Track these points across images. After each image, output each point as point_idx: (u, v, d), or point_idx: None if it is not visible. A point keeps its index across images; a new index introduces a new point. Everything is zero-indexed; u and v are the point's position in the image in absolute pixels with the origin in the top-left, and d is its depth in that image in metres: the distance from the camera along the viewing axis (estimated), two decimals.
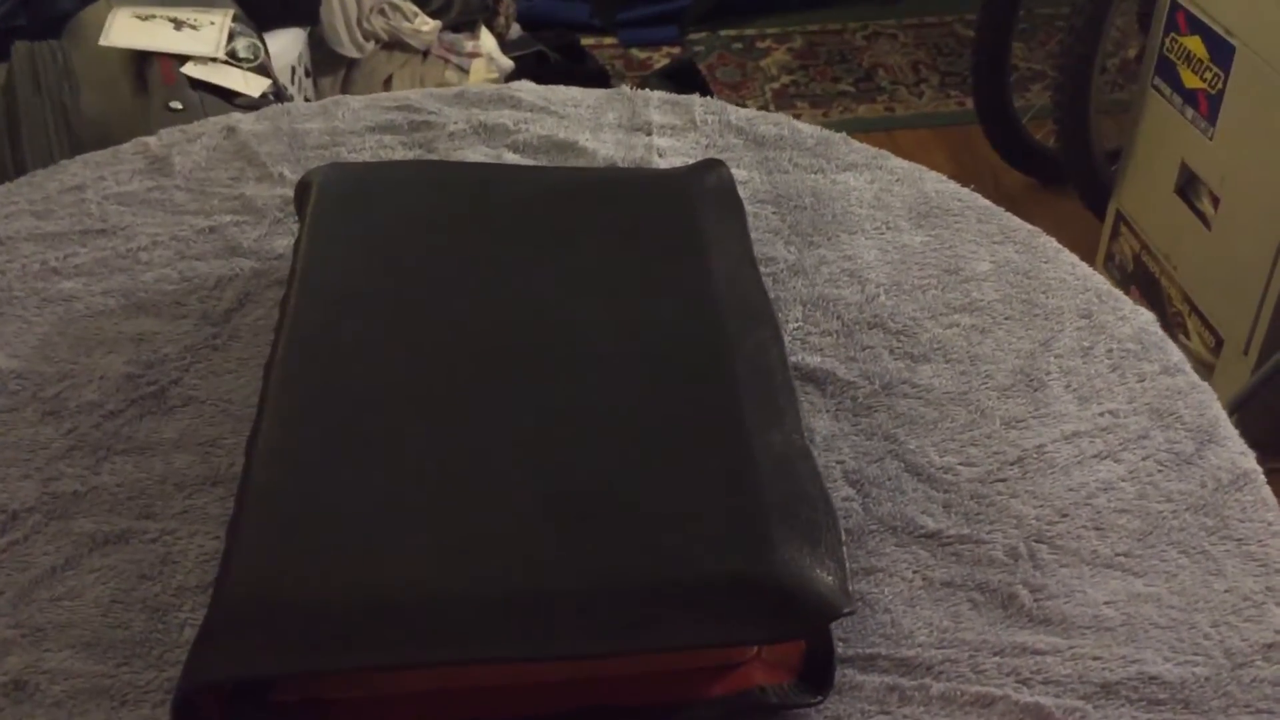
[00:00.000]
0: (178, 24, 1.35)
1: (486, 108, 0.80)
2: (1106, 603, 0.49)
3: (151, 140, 0.77)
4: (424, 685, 0.45)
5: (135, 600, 0.49)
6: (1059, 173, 2.05)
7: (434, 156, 0.76)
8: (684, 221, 0.62)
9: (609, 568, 0.45)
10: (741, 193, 0.70)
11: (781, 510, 0.46)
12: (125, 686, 0.46)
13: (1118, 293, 0.65)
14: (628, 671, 0.46)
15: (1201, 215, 1.63)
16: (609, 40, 2.61)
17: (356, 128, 0.78)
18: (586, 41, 2.46)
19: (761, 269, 0.65)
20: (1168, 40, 1.65)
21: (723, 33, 2.64)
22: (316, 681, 0.45)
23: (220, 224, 0.69)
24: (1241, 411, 1.47)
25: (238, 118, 0.79)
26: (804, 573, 0.44)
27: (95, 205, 0.71)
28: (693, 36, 2.63)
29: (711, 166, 0.67)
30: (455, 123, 0.78)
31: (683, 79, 2.32)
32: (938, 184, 0.73)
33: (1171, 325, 1.73)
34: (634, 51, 2.58)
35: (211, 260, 0.67)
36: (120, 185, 0.73)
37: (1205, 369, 1.67)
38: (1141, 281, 1.80)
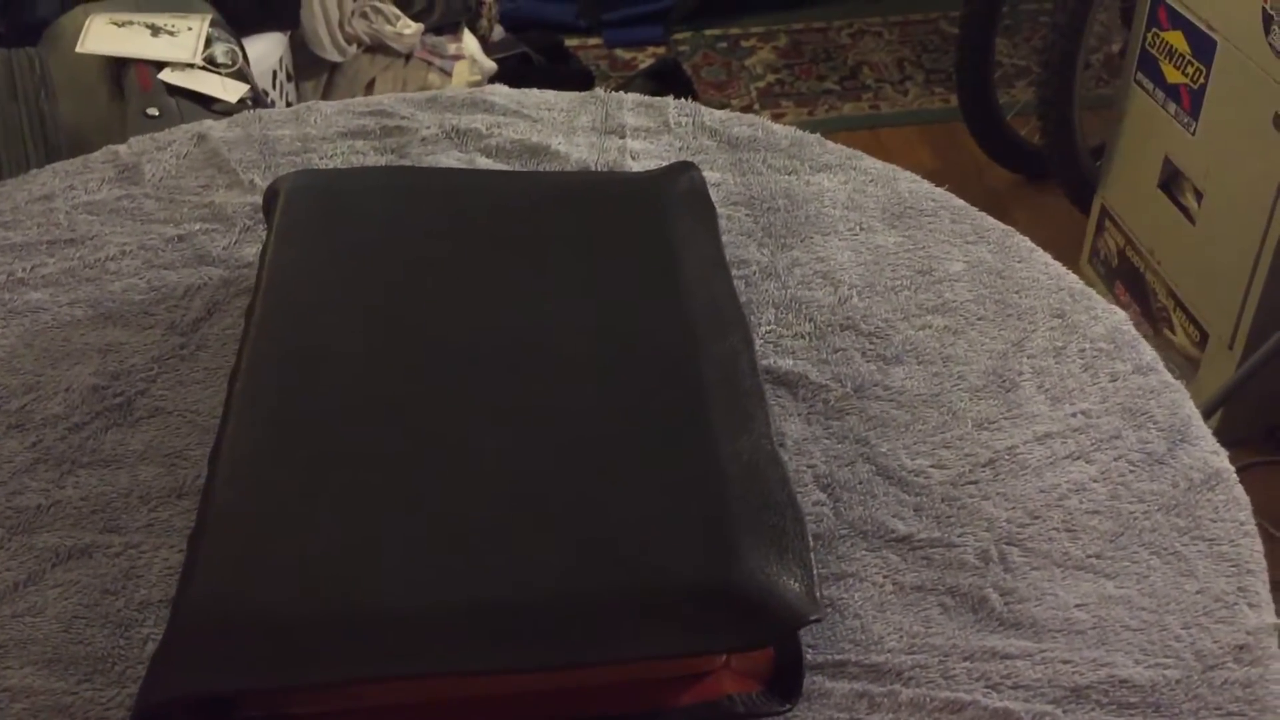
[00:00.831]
0: (155, 30, 1.34)
1: (459, 112, 0.79)
2: (1077, 605, 0.49)
3: (121, 148, 0.76)
4: (389, 699, 0.45)
5: (98, 616, 0.48)
6: (1043, 169, 2.05)
7: (406, 162, 0.75)
8: (655, 226, 0.62)
9: (575, 578, 0.44)
10: (714, 195, 0.69)
11: (748, 518, 0.46)
12: (86, 704, 0.45)
13: (1090, 291, 0.65)
14: (596, 682, 0.46)
15: (1185, 210, 1.63)
16: (594, 41, 2.61)
17: (328, 133, 0.78)
18: (571, 42, 2.45)
19: (734, 271, 0.64)
20: (1150, 35, 1.65)
21: (707, 32, 2.64)
22: (280, 697, 0.44)
23: (189, 232, 0.69)
24: (1227, 406, 1.47)
25: (209, 124, 0.79)
26: (770, 580, 0.44)
27: (64, 215, 0.70)
28: (678, 36, 2.63)
29: (683, 169, 0.66)
30: (428, 127, 0.78)
31: (668, 79, 2.32)
32: (911, 184, 0.73)
33: (1157, 320, 1.73)
34: (619, 52, 2.58)
35: (180, 269, 0.66)
36: (89, 194, 0.72)
37: (1191, 363, 1.66)
38: (1127, 277, 1.80)
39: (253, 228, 0.69)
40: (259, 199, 0.71)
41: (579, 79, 2.26)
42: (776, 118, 2.32)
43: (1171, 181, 1.66)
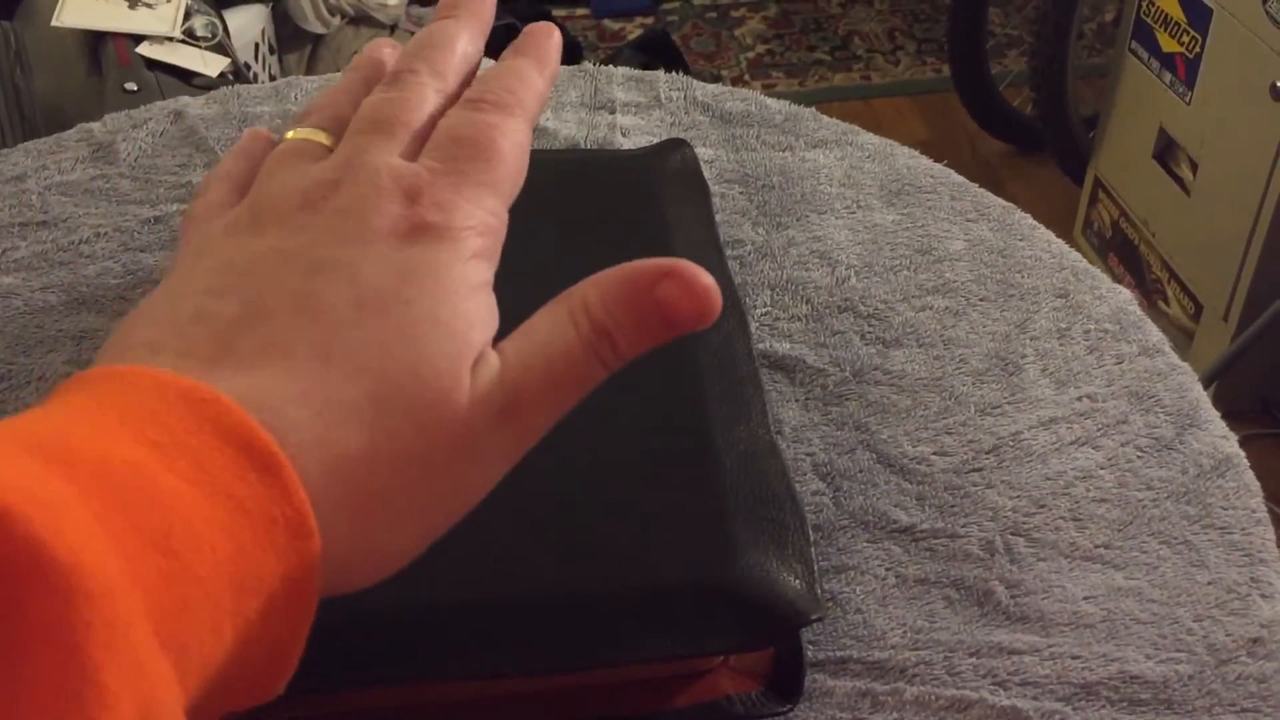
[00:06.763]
0: (133, 2, 1.31)
1: None
2: (1086, 598, 0.48)
3: (96, 126, 0.74)
4: (385, 701, 0.44)
5: None
6: (1037, 139, 2.03)
7: None
8: (646, 205, 0.60)
9: (566, 579, 0.43)
10: (707, 172, 0.67)
11: (746, 512, 0.45)
12: None
13: (1095, 270, 0.63)
14: (590, 683, 0.44)
15: (1180, 181, 1.61)
16: (581, 11, 2.58)
17: None
18: (558, 13, 2.43)
19: (728, 251, 0.62)
20: (1145, 4, 1.63)
21: (696, 2, 2.60)
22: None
23: (166, 214, 0.67)
24: (1222, 378, 1.46)
25: (185, 101, 0.76)
26: (769, 578, 0.42)
27: (36, 196, 0.68)
28: (666, 6, 2.60)
29: (675, 146, 0.64)
30: None
31: (656, 50, 2.29)
32: (910, 160, 0.71)
33: (1151, 292, 1.72)
34: (606, 22, 2.55)
35: (157, 252, 0.64)
36: (63, 174, 0.70)
37: (1185, 335, 1.65)
38: (1120, 248, 1.79)
39: None
40: None
41: (566, 50, 2.23)
42: (767, 89, 2.30)
43: (1166, 152, 1.64)
